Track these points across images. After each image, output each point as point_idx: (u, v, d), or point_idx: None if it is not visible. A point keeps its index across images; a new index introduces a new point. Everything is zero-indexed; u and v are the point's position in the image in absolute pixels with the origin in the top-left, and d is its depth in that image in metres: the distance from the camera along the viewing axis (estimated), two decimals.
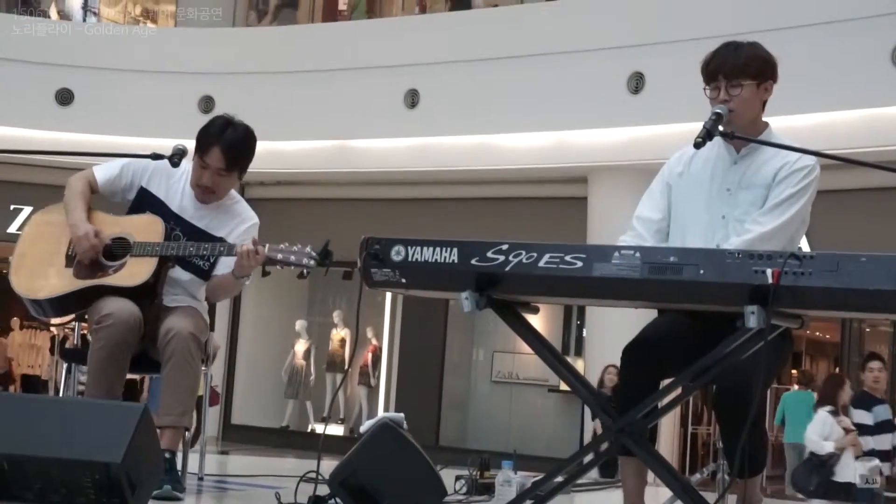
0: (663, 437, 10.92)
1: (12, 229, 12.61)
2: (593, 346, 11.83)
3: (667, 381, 3.13)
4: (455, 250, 2.86)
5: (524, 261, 2.79)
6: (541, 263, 2.77)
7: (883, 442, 8.14)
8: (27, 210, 12.10)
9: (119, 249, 3.97)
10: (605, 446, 3.19)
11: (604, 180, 11.54)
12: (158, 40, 13.76)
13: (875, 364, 8.40)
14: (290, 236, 4.25)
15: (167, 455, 3.65)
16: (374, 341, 14.83)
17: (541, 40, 11.50)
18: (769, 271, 2.58)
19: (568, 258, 2.75)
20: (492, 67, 11.70)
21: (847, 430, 8.21)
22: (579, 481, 4.12)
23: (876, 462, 7.92)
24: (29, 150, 12.48)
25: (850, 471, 8.00)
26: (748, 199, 3.25)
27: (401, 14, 14.07)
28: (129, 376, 4.15)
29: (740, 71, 3.25)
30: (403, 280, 2.93)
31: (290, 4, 14.85)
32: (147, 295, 3.91)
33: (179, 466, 3.98)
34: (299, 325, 15.23)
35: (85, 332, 4.23)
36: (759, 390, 2.89)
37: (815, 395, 11.02)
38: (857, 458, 8.02)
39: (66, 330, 6.49)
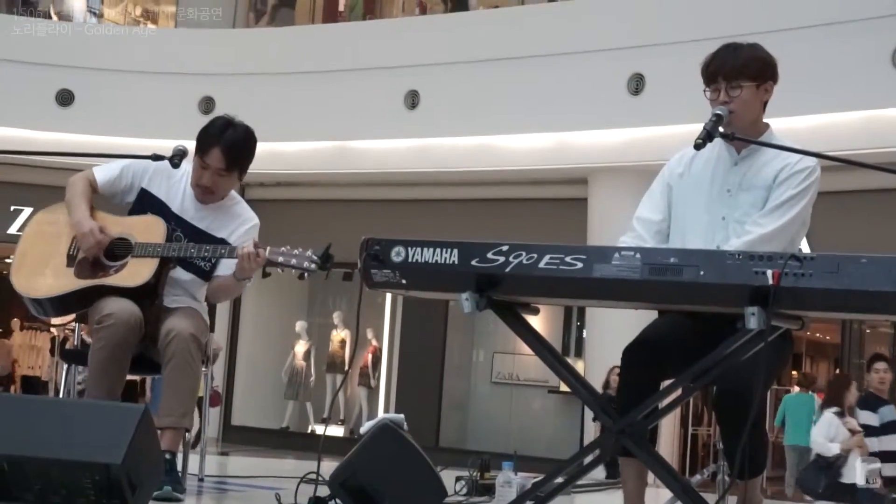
0: (664, 439, 10.92)
1: (12, 230, 12.60)
2: (593, 348, 11.83)
3: (667, 383, 3.13)
4: (455, 251, 2.86)
5: (524, 262, 2.79)
6: (541, 264, 2.77)
7: (889, 443, 8.14)
8: (27, 211, 12.10)
9: (120, 249, 3.98)
10: (605, 448, 3.19)
11: (604, 181, 11.54)
12: (158, 41, 13.76)
13: (880, 365, 8.39)
14: (290, 237, 4.26)
15: (167, 456, 3.65)
16: (374, 342, 14.82)
17: (541, 41, 11.50)
18: (769, 272, 2.58)
19: (568, 259, 2.76)
20: (492, 68, 11.70)
21: (853, 432, 8.20)
22: (581, 482, 4.12)
23: (876, 463, 7.92)
24: (29, 151, 12.47)
25: (856, 472, 8.00)
26: (749, 201, 3.25)
27: (401, 15, 14.07)
28: (128, 377, 4.15)
29: (739, 72, 3.25)
30: (404, 281, 2.93)
31: (288, 4, 14.85)
32: (148, 295, 3.91)
33: (180, 467, 3.98)
34: (299, 326, 15.22)
35: (85, 333, 4.24)
36: (759, 391, 2.89)
37: (816, 396, 11.06)
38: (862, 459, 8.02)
39: (67, 331, 6.50)
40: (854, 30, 9.83)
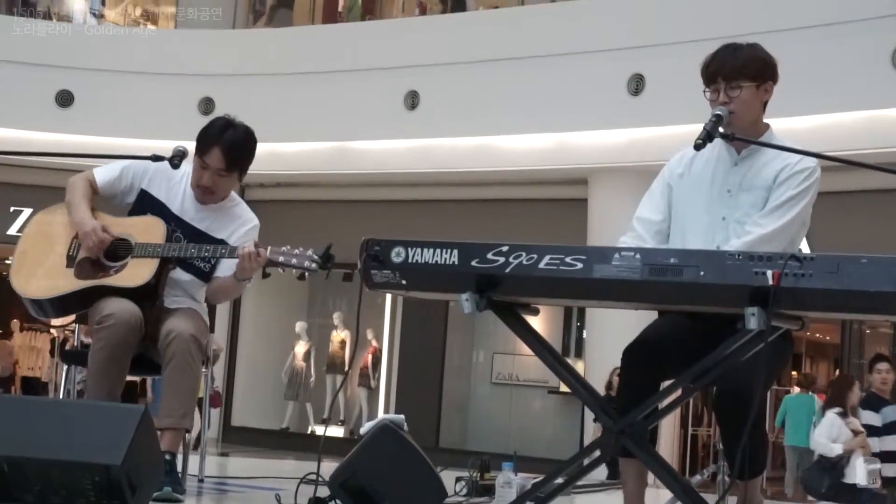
0: (663, 439, 10.92)
1: (12, 231, 12.60)
2: (593, 348, 11.83)
3: (667, 383, 3.13)
4: (455, 252, 2.86)
5: (524, 262, 2.79)
6: (541, 265, 2.77)
7: (890, 443, 8.13)
8: (27, 212, 12.09)
9: (120, 250, 3.97)
10: (605, 448, 3.19)
11: (604, 182, 11.54)
12: (158, 42, 13.76)
13: (883, 365, 8.39)
14: (290, 238, 4.26)
15: (167, 457, 3.65)
16: (374, 343, 14.82)
17: (541, 42, 11.50)
18: (769, 273, 2.58)
19: (568, 260, 2.76)
20: (492, 69, 11.70)
21: (856, 432, 8.20)
22: (581, 482, 4.12)
23: (877, 464, 7.92)
24: (29, 152, 12.47)
25: (857, 473, 8.00)
26: (749, 201, 3.25)
27: (401, 16, 14.07)
28: (128, 378, 4.15)
29: (739, 72, 3.25)
30: (404, 281, 2.93)
31: (286, 5, 14.85)
32: (148, 296, 3.91)
33: (180, 468, 3.98)
34: (299, 326, 15.22)
35: (84, 334, 4.23)
36: (759, 392, 2.89)
37: (817, 397, 11.06)
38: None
39: (67, 332, 6.50)
40: (854, 30, 9.83)
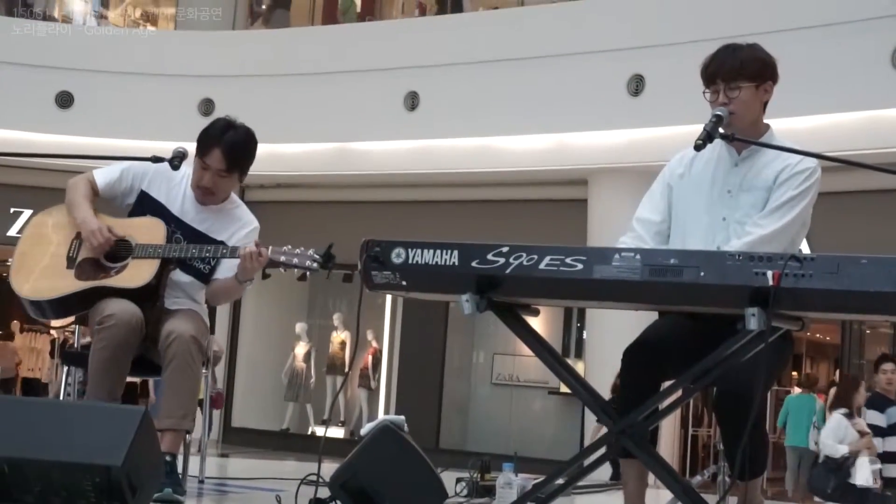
0: (664, 440, 10.91)
1: (12, 232, 12.59)
2: (593, 349, 11.83)
3: (667, 384, 3.13)
4: (455, 253, 2.86)
5: (524, 263, 2.79)
6: (541, 266, 2.77)
7: (893, 444, 8.12)
8: (27, 213, 12.08)
9: (121, 251, 3.97)
10: (605, 448, 3.19)
11: (604, 182, 11.54)
12: (158, 43, 13.76)
13: (888, 366, 8.38)
14: (290, 239, 4.26)
15: (168, 458, 3.65)
16: (374, 344, 14.82)
17: (541, 42, 11.50)
18: (770, 273, 2.58)
19: (568, 260, 2.76)
20: (492, 70, 11.70)
21: (862, 433, 8.20)
22: (583, 483, 4.12)
23: (877, 464, 7.92)
24: (29, 154, 12.42)
25: (860, 473, 8.00)
26: (749, 202, 3.25)
27: (400, 16, 14.07)
28: (128, 379, 4.15)
29: (738, 73, 3.25)
30: (404, 282, 2.93)
31: (283, 5, 14.85)
32: (149, 297, 3.91)
33: (180, 469, 3.98)
34: (299, 327, 15.22)
35: (85, 335, 4.23)
36: (759, 392, 2.90)
37: (818, 397, 11.06)
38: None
39: (67, 333, 6.50)
40: (853, 30, 9.82)
